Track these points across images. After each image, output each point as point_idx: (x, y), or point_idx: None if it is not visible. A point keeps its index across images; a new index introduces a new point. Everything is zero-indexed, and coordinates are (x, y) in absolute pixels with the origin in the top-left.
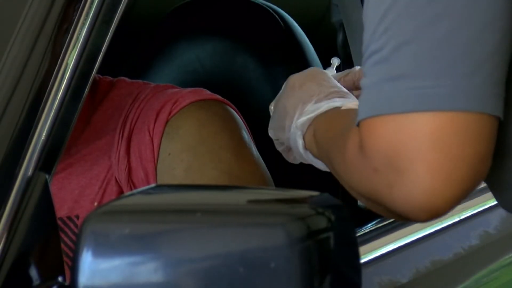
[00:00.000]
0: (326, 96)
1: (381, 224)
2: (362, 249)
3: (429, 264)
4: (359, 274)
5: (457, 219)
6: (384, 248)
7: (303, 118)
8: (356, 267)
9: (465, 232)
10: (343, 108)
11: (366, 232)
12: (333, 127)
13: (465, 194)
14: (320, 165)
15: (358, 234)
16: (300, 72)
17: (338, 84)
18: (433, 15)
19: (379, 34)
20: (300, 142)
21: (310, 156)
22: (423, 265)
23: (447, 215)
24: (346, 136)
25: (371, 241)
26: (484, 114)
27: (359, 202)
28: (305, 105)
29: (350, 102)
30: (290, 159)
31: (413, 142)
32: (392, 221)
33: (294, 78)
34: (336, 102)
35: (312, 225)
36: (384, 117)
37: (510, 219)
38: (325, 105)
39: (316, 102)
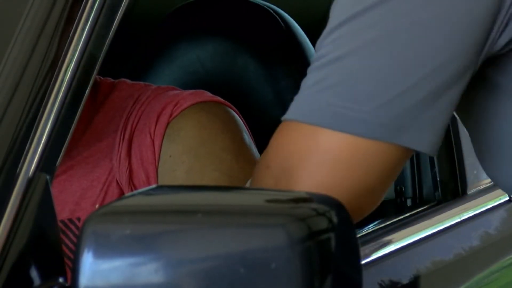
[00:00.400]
0: None
1: (382, 225)
2: (363, 249)
3: (430, 265)
4: (360, 275)
5: (458, 220)
6: (385, 249)
7: None
8: (357, 267)
9: (466, 233)
10: None
11: (367, 233)
12: None
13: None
14: None
15: (359, 235)
16: None
17: None
18: (370, 41)
19: (328, 41)
20: None
21: None
22: (424, 265)
23: (448, 216)
24: None
25: (372, 242)
26: (393, 145)
27: None
28: None
29: None
30: None
31: (309, 154)
32: (393, 222)
33: None
34: None
35: (313, 225)
36: (298, 123)
37: (511, 220)
38: None
39: None
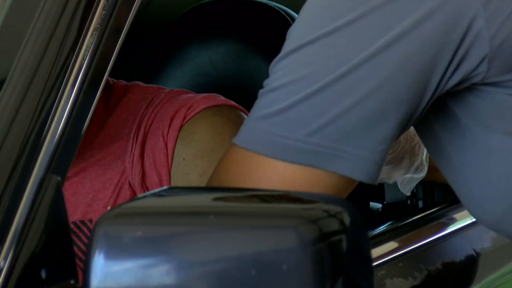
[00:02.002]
0: None
1: (393, 227)
2: (374, 251)
3: (441, 267)
4: (371, 277)
5: (469, 221)
6: (396, 251)
7: None
8: (368, 269)
9: (477, 234)
10: None
11: (377, 235)
12: None
13: None
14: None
15: (370, 236)
16: None
17: None
18: (310, 72)
19: (277, 68)
20: None
21: None
22: (434, 267)
23: (459, 218)
24: None
25: (383, 244)
26: (330, 173)
27: (371, 205)
28: None
29: None
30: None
31: (243, 178)
32: (404, 224)
33: None
34: None
35: (324, 227)
36: (238, 148)
37: None
38: None
39: None
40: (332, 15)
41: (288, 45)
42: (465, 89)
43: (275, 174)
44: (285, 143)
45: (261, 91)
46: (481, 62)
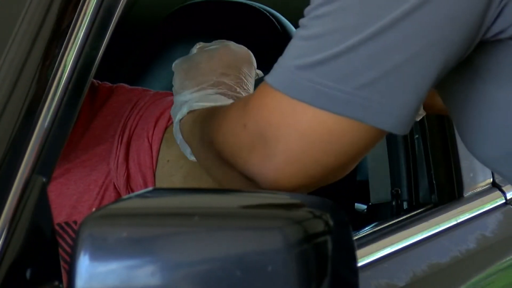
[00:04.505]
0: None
1: (378, 228)
2: (359, 252)
3: (426, 268)
4: (357, 278)
5: (454, 222)
6: (381, 252)
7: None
8: (354, 270)
9: (462, 235)
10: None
11: (363, 236)
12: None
13: (312, 187)
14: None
15: (355, 237)
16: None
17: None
18: (353, 23)
19: (316, 14)
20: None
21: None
22: (420, 268)
23: (444, 218)
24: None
25: (368, 245)
26: (372, 127)
27: (356, 206)
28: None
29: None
30: None
31: (288, 129)
32: (390, 225)
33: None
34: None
35: (309, 228)
36: (281, 94)
37: (507, 223)
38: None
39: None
40: None
41: None
42: (492, 42)
43: (323, 125)
44: (334, 94)
45: (299, 33)
46: None
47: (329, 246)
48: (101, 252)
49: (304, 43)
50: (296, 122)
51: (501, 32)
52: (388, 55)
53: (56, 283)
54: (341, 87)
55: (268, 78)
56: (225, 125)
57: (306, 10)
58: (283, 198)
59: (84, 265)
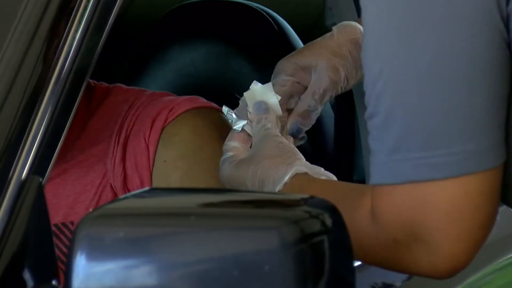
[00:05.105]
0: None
1: None
2: None
3: None
4: (353, 277)
5: None
6: None
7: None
8: (350, 270)
9: None
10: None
11: None
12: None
13: (479, 250)
14: None
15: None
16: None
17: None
18: (430, 87)
19: (374, 99)
20: None
21: None
22: None
23: None
24: (350, 204)
25: None
26: (491, 170)
27: None
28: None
29: (315, 169)
30: None
31: (429, 212)
32: None
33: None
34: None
35: (306, 228)
36: (396, 186)
37: (504, 223)
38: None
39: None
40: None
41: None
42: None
43: (446, 194)
44: (436, 162)
45: (372, 121)
46: None
47: (326, 245)
48: (98, 252)
49: (384, 131)
50: (429, 201)
51: None
52: (459, 104)
53: (54, 283)
54: (437, 152)
55: (376, 179)
56: (358, 241)
57: (366, 87)
58: (280, 198)
59: (81, 265)
